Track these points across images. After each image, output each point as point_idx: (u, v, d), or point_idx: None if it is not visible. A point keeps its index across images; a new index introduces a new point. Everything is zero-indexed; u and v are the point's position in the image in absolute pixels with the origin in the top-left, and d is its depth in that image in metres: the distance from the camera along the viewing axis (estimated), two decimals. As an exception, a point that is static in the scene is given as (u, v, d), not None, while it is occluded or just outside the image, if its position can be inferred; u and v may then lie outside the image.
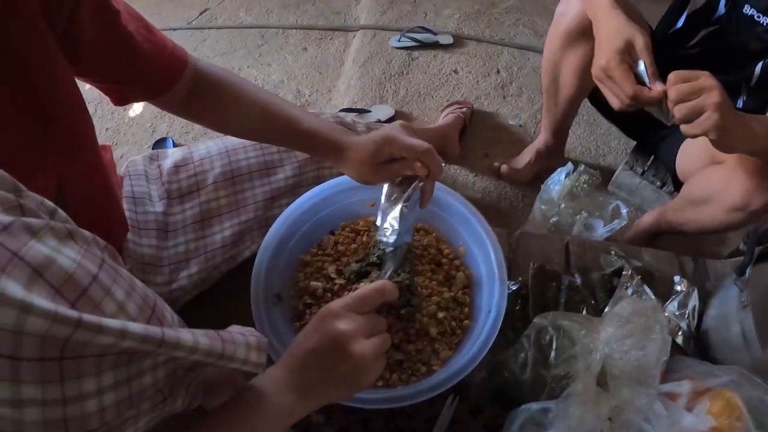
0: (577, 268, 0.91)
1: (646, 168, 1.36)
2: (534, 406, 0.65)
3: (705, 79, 0.78)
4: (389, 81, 1.68)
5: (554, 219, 1.13)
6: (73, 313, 0.34)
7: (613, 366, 0.60)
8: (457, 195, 0.83)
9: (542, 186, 1.18)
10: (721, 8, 1.08)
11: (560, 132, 1.39)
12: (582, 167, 1.16)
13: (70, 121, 0.62)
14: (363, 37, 1.83)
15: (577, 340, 0.67)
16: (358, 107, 1.58)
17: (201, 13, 2.06)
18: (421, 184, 0.72)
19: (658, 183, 1.35)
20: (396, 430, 0.75)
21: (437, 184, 0.77)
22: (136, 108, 1.74)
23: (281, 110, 0.74)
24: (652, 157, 1.35)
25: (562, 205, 1.12)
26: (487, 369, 0.78)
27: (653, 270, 0.93)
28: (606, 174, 1.39)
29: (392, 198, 0.74)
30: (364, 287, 0.59)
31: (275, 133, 0.75)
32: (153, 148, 1.60)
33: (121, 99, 0.70)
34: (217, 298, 0.88)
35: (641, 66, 0.82)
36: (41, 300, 0.33)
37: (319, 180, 0.90)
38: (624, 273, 0.88)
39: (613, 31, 0.86)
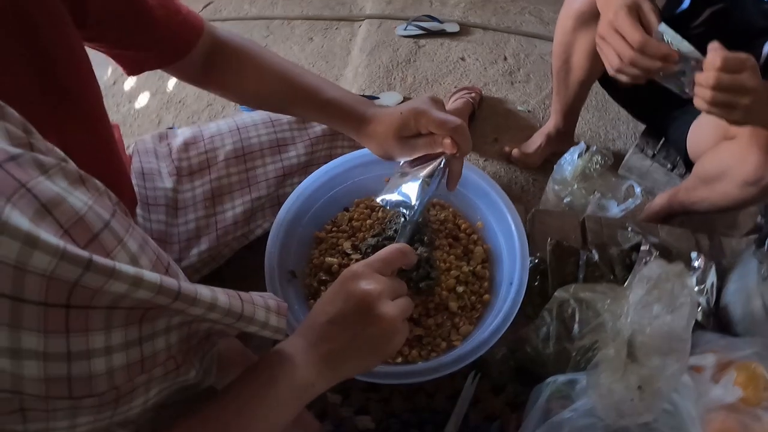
0: (594, 245, 0.90)
1: (656, 151, 1.34)
2: (560, 378, 0.64)
3: (748, 78, 0.75)
4: (397, 68, 1.67)
5: (567, 199, 1.11)
6: (83, 253, 0.31)
7: (641, 334, 0.58)
8: (474, 167, 0.82)
9: (555, 167, 1.17)
10: None
11: (570, 115, 1.38)
12: (594, 147, 1.15)
13: (83, 91, 0.60)
14: (369, 26, 1.82)
15: (601, 311, 0.65)
16: (366, 94, 1.57)
17: (205, 6, 2.04)
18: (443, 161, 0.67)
19: (669, 165, 1.33)
20: (416, 409, 0.74)
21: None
22: (142, 99, 1.73)
23: (303, 79, 0.71)
24: (662, 140, 1.34)
25: (575, 186, 1.11)
26: (508, 345, 0.77)
27: (670, 246, 0.92)
28: (616, 158, 1.38)
29: (409, 172, 0.71)
30: (386, 248, 0.57)
31: (297, 102, 0.71)
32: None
33: (134, 67, 0.68)
34: (228, 278, 0.87)
35: (662, 26, 0.78)
36: (48, 235, 0.30)
37: (331, 158, 0.89)
38: (642, 248, 0.87)
39: None
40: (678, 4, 1.16)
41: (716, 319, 0.86)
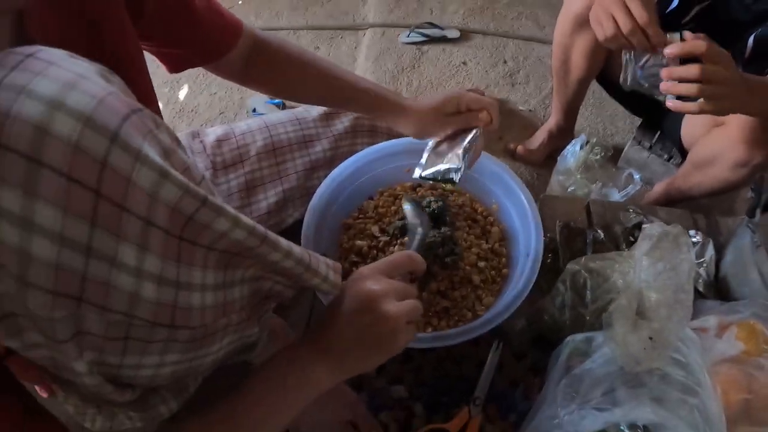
0: (599, 225, 0.97)
1: (653, 142, 1.42)
2: (578, 337, 0.70)
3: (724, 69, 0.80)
4: (402, 74, 1.75)
5: (571, 188, 1.18)
6: (201, 191, 0.36)
7: (648, 289, 0.65)
8: (487, 155, 0.89)
9: (558, 158, 1.24)
10: None
11: (570, 112, 1.46)
12: (594, 140, 1.23)
13: (142, 92, 0.67)
14: (373, 34, 1.90)
15: (611, 274, 0.72)
16: (373, 98, 1.64)
17: (213, 19, 2.12)
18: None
19: (666, 156, 1.41)
20: (445, 376, 0.80)
21: None
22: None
23: (338, 72, 0.80)
24: (658, 132, 1.42)
25: (578, 176, 1.18)
26: (527, 318, 0.83)
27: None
28: (615, 152, 1.45)
29: (446, 148, 0.79)
30: (394, 254, 0.61)
31: (337, 94, 0.81)
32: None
33: (176, 65, 0.74)
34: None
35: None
36: (176, 172, 0.35)
37: (353, 153, 0.96)
38: (644, 226, 0.94)
39: None
40: (668, 3, 1.25)
41: (717, 291, 0.93)
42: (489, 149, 0.91)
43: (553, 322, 0.79)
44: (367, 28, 1.96)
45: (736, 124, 1.03)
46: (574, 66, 1.30)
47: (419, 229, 0.73)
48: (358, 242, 0.84)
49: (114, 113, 0.33)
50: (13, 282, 0.31)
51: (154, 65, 0.71)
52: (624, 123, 1.62)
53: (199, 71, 1.42)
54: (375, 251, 0.83)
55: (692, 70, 0.80)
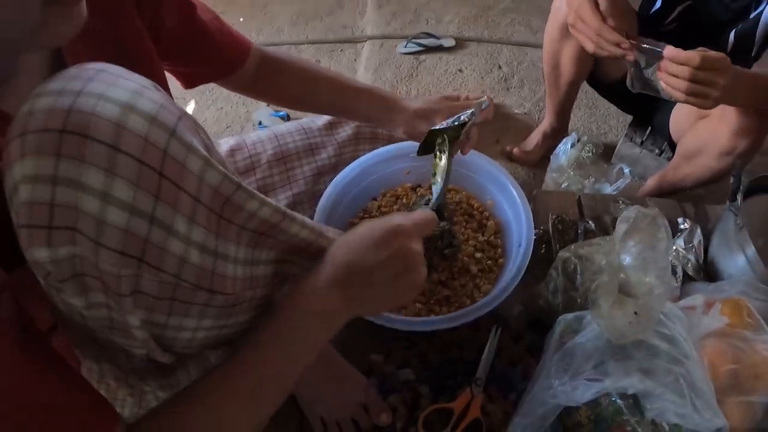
0: (590, 216, 1.02)
1: (644, 138, 1.48)
2: (569, 316, 0.76)
3: (720, 75, 0.85)
4: (401, 83, 1.82)
5: (565, 185, 1.24)
6: (235, 177, 0.45)
7: (629, 269, 0.71)
8: (482, 155, 0.95)
9: (551, 157, 1.30)
10: None
11: (563, 114, 1.52)
12: (585, 137, 1.28)
13: None
14: (371, 46, 1.98)
15: (597, 258, 0.78)
16: (374, 107, 1.71)
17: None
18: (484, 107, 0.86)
19: (657, 151, 1.47)
20: (449, 360, 0.86)
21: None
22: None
23: (340, 78, 0.90)
24: (649, 129, 1.48)
25: (571, 173, 1.24)
26: (522, 303, 0.89)
27: (659, 215, 1.04)
28: (608, 150, 1.51)
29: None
30: (422, 213, 0.62)
31: (340, 97, 0.89)
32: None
33: (190, 81, 0.81)
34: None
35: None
36: (216, 161, 0.43)
37: (355, 159, 1.02)
38: (622, 209, 0.99)
39: None
40: (651, 5, 1.32)
41: (706, 273, 0.98)
42: (486, 152, 0.98)
43: (547, 305, 0.85)
44: (365, 41, 2.04)
45: (720, 115, 1.08)
46: (564, 70, 1.36)
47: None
48: (364, 239, 0.90)
49: (171, 114, 0.42)
50: (90, 244, 0.38)
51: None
52: (616, 121, 1.68)
53: (205, 87, 1.50)
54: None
55: (684, 72, 0.86)
